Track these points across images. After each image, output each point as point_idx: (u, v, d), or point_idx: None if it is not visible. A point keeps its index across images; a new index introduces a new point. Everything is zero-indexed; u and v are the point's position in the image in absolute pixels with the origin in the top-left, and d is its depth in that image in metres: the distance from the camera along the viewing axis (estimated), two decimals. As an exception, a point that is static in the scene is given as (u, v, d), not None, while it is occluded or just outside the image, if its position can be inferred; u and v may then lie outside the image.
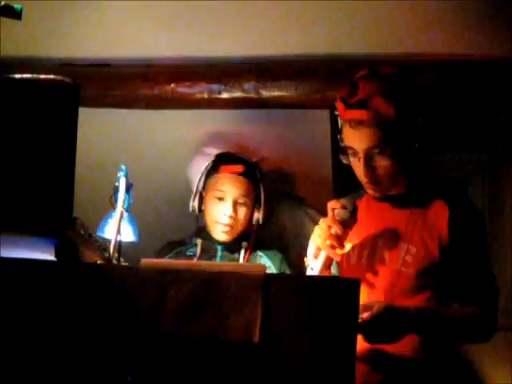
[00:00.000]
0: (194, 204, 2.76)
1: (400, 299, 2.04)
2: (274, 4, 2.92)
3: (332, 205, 2.05)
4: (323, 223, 2.03)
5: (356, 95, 2.01)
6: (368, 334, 1.88)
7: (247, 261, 2.68)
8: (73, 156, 1.65)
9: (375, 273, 2.10)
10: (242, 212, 2.73)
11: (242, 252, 2.72)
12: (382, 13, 2.90)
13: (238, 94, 3.11)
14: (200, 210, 2.77)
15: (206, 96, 3.14)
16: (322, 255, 2.01)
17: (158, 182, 3.15)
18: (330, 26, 2.96)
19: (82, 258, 1.75)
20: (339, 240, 2.01)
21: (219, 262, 2.59)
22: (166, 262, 2.48)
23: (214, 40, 3.07)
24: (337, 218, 2.03)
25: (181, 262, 2.52)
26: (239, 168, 2.74)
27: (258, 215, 2.76)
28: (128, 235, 2.41)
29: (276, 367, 1.58)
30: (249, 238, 2.77)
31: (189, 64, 3.14)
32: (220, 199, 2.73)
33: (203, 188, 2.78)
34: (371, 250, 2.13)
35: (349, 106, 2.00)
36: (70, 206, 1.64)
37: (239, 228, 2.74)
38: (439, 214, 2.09)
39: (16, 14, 1.80)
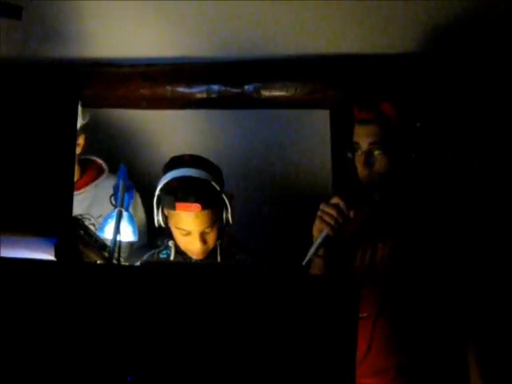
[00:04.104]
0: (158, 219, 2.57)
1: None
2: (273, 4, 2.92)
3: (336, 200, 2.18)
4: (325, 207, 2.17)
5: (368, 99, 2.30)
6: None
7: (222, 259, 2.61)
8: (73, 156, 1.65)
9: (376, 273, 2.20)
10: (212, 235, 2.56)
11: (218, 250, 2.60)
12: (382, 13, 2.90)
13: (237, 94, 3.11)
14: (166, 225, 2.58)
15: (205, 96, 3.14)
16: (322, 234, 2.15)
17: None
18: (331, 26, 2.96)
19: (82, 258, 1.76)
20: (338, 222, 2.15)
21: (219, 262, 2.57)
22: (166, 261, 2.49)
23: (214, 40, 3.07)
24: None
25: (181, 262, 2.54)
26: (196, 207, 2.47)
27: (226, 216, 2.56)
28: (128, 235, 2.41)
29: (276, 367, 1.59)
30: (223, 236, 2.63)
31: (189, 64, 3.14)
32: (185, 235, 2.54)
33: (163, 208, 2.57)
34: (371, 252, 2.25)
35: (361, 108, 2.28)
36: (69, 206, 1.64)
37: (212, 246, 2.59)
38: None
39: (16, 14, 1.80)
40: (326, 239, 2.15)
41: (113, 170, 2.97)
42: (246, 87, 3.10)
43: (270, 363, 1.59)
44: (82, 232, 1.88)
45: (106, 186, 2.84)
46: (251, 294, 1.61)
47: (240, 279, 1.63)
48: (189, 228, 2.52)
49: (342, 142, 3.32)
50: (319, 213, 2.18)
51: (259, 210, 3.29)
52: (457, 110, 2.98)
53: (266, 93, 3.10)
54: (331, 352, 1.59)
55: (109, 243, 2.18)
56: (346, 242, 2.26)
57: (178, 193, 2.48)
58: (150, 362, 1.60)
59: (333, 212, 2.15)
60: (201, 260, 2.59)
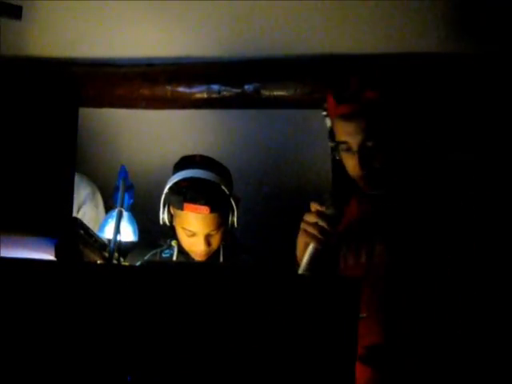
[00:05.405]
0: (163, 217, 2.56)
1: None
2: (273, 4, 2.93)
3: (315, 208, 2.00)
4: (308, 217, 1.99)
5: (347, 89, 2.02)
6: None
7: (225, 258, 2.60)
8: (73, 156, 1.65)
9: (374, 271, 2.08)
10: (217, 238, 2.56)
11: (221, 251, 2.61)
12: (381, 13, 2.90)
13: (237, 94, 3.12)
14: (171, 223, 2.58)
15: (205, 96, 3.14)
16: (310, 248, 1.98)
17: (158, 181, 3.16)
18: (330, 26, 2.97)
19: (82, 258, 1.76)
20: (325, 232, 1.97)
21: (218, 262, 2.57)
22: (166, 261, 2.49)
23: (214, 40, 3.07)
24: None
25: (180, 262, 2.54)
26: (205, 210, 2.45)
27: (232, 219, 2.56)
28: (128, 235, 2.41)
29: (275, 367, 1.59)
30: (227, 237, 2.63)
31: (189, 64, 3.15)
32: (191, 236, 2.54)
33: (170, 207, 2.57)
34: (369, 249, 2.09)
35: (341, 100, 2.02)
36: (70, 206, 1.64)
37: (215, 247, 2.59)
38: None
39: (16, 14, 1.81)
40: (315, 253, 1.97)
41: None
42: (246, 87, 3.10)
43: (270, 363, 1.59)
44: (82, 232, 1.88)
45: None
46: (251, 293, 1.61)
47: (241, 279, 1.63)
48: (195, 229, 2.52)
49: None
50: (302, 225, 1.99)
51: (259, 210, 3.29)
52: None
53: (265, 93, 3.10)
54: (331, 352, 1.59)
55: (109, 243, 2.18)
56: (337, 242, 2.09)
57: (188, 193, 2.47)
58: (150, 362, 1.60)
59: (316, 220, 1.96)
60: (203, 260, 2.58)
